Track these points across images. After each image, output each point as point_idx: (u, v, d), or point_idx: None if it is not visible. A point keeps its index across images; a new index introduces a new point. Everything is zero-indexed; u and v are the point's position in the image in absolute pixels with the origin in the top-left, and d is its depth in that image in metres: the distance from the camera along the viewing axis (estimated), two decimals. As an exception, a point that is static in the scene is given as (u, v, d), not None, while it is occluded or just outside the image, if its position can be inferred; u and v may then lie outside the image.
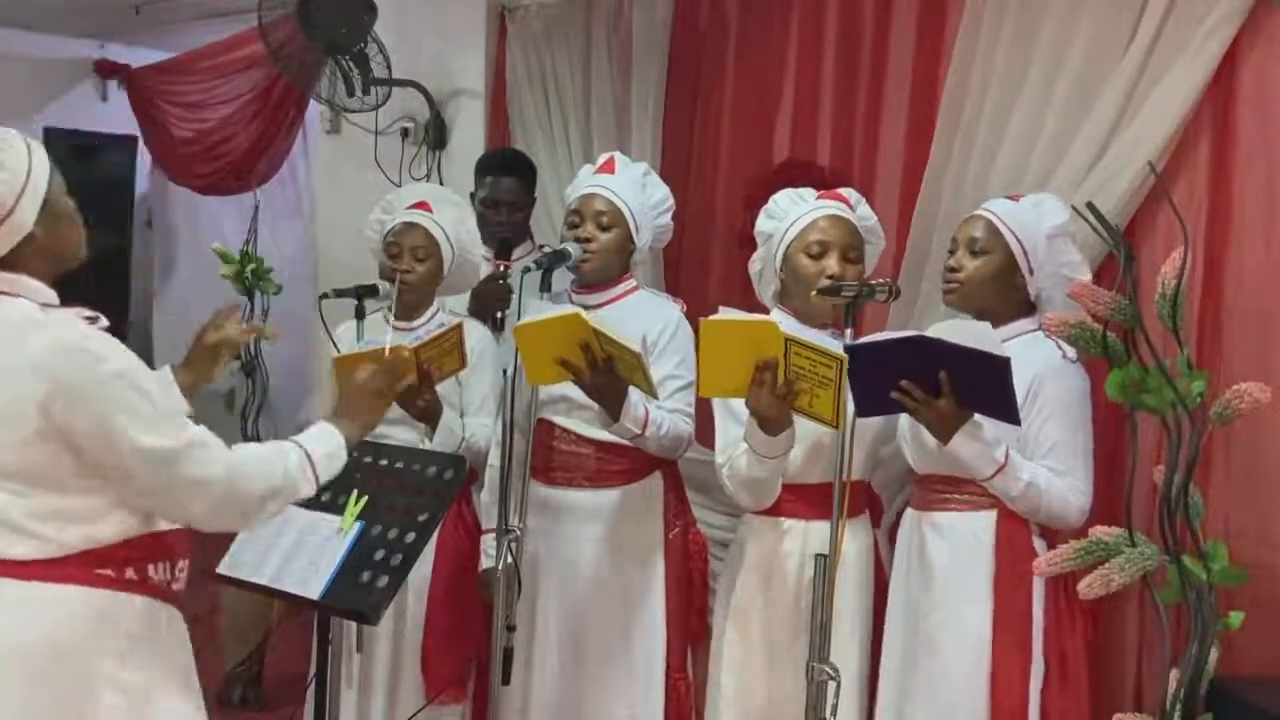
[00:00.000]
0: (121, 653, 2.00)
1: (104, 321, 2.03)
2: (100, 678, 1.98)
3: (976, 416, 2.48)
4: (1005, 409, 2.42)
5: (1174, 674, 2.51)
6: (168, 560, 2.09)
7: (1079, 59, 3.06)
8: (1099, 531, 2.51)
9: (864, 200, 2.87)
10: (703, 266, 3.92)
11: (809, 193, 2.84)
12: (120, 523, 2.01)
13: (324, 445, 2.18)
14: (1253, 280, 2.84)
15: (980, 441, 2.49)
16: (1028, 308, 2.70)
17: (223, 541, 2.50)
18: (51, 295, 2.04)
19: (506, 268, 3.25)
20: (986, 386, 2.40)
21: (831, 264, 2.72)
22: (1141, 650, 2.97)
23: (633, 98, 4.00)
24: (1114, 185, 2.93)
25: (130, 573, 2.02)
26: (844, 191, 2.86)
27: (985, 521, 2.59)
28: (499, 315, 3.16)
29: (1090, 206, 2.67)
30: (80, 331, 1.97)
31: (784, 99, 3.74)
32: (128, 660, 2.01)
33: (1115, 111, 2.98)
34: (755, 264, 2.94)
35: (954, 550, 2.62)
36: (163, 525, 2.07)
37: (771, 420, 2.51)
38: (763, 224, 2.87)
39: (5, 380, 1.93)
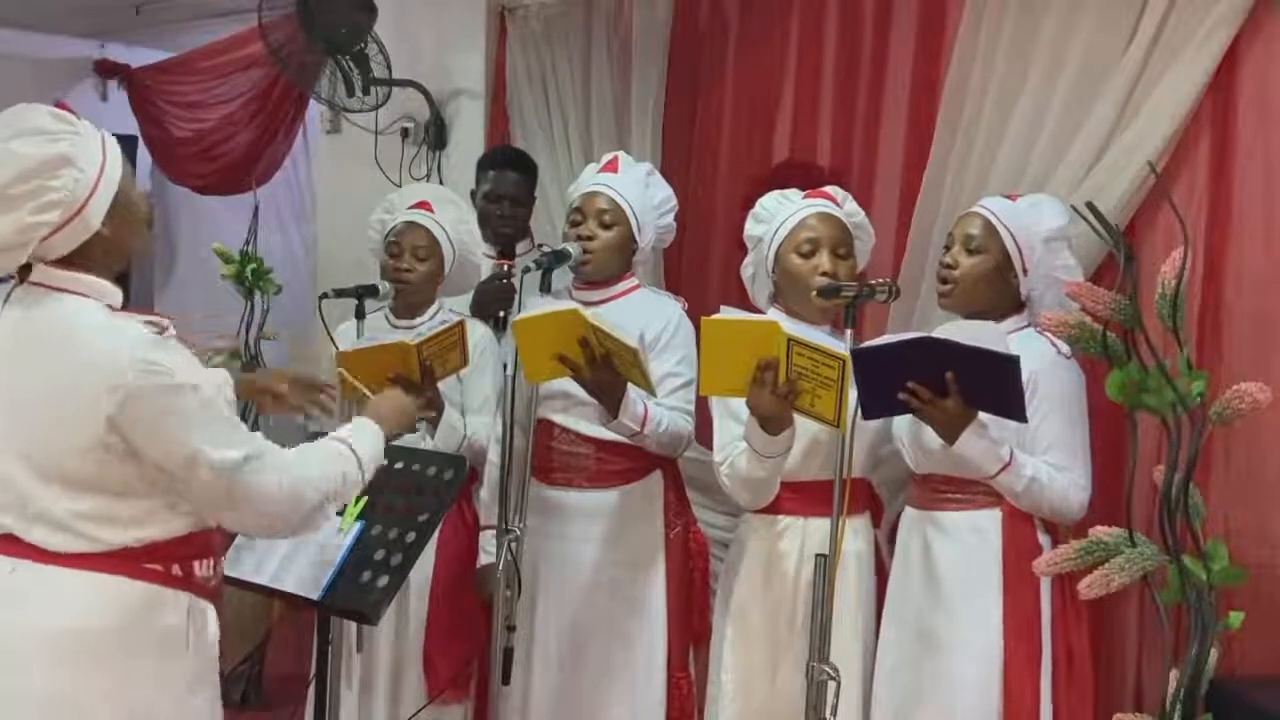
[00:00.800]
0: (162, 648, 1.99)
1: (172, 331, 1.98)
2: (137, 670, 1.96)
3: (982, 415, 2.48)
4: (1013, 407, 2.42)
5: (1174, 674, 2.52)
6: (210, 558, 2.08)
7: (1079, 59, 3.07)
8: (1099, 532, 2.51)
9: (850, 197, 2.87)
10: (703, 266, 3.92)
11: (794, 193, 2.84)
12: (167, 524, 1.99)
13: (371, 448, 2.17)
14: (1253, 280, 2.85)
15: (987, 439, 2.49)
16: (1018, 305, 2.71)
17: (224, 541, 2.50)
18: (117, 295, 2.00)
19: (510, 266, 3.25)
20: (994, 385, 2.40)
21: (823, 261, 2.72)
22: (1141, 650, 2.97)
23: (633, 98, 4.00)
24: (1114, 185, 2.94)
25: (176, 569, 2.01)
26: (829, 189, 2.86)
27: (989, 520, 2.59)
28: (501, 314, 3.15)
29: (1090, 206, 2.67)
30: (150, 341, 1.91)
31: (784, 99, 3.75)
32: (169, 655, 2.00)
33: (1115, 111, 2.98)
34: (747, 269, 2.94)
35: (959, 549, 2.61)
36: (211, 524, 2.06)
37: (772, 420, 2.51)
38: (751, 228, 2.87)
39: (73, 387, 1.89)
